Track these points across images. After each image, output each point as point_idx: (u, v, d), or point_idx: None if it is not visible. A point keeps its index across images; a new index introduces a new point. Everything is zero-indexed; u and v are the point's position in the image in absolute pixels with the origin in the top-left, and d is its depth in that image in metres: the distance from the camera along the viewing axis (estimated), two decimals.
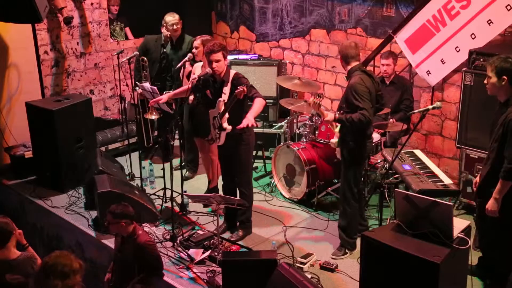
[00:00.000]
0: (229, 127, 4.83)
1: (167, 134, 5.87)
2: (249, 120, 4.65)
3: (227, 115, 4.82)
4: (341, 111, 4.69)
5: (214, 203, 4.73)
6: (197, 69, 5.71)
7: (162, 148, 6.28)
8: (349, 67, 4.70)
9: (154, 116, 5.95)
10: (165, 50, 6.59)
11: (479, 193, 4.19)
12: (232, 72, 4.97)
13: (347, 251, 4.92)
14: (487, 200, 4.04)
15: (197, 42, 5.65)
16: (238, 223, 5.28)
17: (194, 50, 5.66)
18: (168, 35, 6.47)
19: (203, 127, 5.50)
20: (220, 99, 4.86)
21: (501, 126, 3.95)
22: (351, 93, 4.55)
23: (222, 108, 4.82)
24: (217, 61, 4.82)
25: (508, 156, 3.88)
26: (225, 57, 4.87)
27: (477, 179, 4.40)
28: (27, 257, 4.00)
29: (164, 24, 6.43)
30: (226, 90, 4.88)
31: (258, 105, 4.77)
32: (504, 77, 3.92)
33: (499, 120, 4.00)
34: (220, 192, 5.42)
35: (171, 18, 6.35)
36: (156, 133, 7.03)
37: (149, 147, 6.91)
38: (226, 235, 5.21)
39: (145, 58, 6.25)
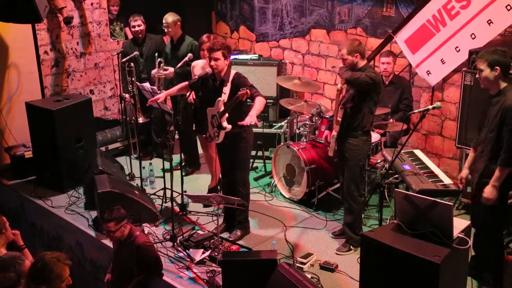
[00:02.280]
0: (229, 126, 4.83)
1: (167, 134, 5.87)
2: (252, 118, 4.67)
3: (226, 114, 4.82)
4: (347, 105, 4.74)
5: (214, 203, 4.73)
6: (196, 68, 5.71)
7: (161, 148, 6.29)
8: (362, 64, 4.70)
9: (140, 119, 5.95)
10: (138, 48, 6.64)
11: (479, 187, 4.17)
12: (233, 72, 4.97)
13: (351, 247, 4.94)
14: None
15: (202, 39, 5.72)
16: (236, 223, 5.26)
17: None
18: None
19: (205, 125, 5.51)
20: (219, 98, 4.86)
21: (497, 115, 3.98)
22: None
23: (222, 108, 4.82)
24: (216, 59, 4.84)
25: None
26: (225, 57, 4.87)
27: (462, 174, 4.41)
28: (11, 257, 3.98)
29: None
30: (226, 90, 4.88)
31: (259, 104, 4.79)
32: (497, 67, 4.00)
33: (492, 111, 4.04)
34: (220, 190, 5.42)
35: (165, 19, 6.33)
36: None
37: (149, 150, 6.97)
38: (225, 235, 5.21)
39: (132, 64, 6.22)
